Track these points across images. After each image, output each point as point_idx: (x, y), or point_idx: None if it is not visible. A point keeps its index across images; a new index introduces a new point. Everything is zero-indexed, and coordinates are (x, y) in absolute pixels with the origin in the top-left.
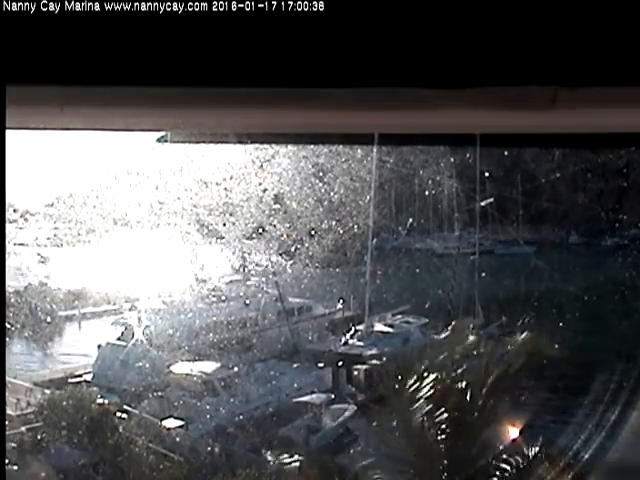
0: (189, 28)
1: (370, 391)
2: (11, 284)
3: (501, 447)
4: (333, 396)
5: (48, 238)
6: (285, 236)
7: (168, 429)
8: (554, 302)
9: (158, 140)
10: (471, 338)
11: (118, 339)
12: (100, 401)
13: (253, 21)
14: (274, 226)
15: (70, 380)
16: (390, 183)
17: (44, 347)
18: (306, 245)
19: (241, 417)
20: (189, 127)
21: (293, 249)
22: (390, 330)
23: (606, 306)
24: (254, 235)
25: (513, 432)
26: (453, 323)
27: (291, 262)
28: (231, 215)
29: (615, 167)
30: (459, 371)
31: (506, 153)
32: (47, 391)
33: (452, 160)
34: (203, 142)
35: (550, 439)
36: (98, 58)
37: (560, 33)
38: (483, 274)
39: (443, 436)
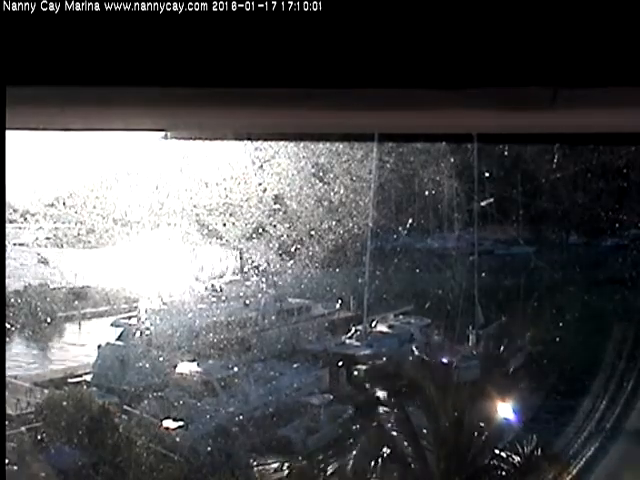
0: (189, 28)
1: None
2: (11, 284)
3: (498, 447)
4: (332, 396)
5: (48, 238)
6: (285, 236)
7: (168, 429)
8: (554, 302)
9: (161, 137)
10: None
11: (118, 339)
12: (100, 401)
13: (253, 21)
14: (274, 226)
15: (70, 380)
16: (390, 183)
17: (44, 347)
18: (306, 245)
19: (240, 417)
20: (189, 127)
21: (293, 249)
22: (389, 331)
23: (606, 306)
24: (254, 235)
25: (510, 432)
26: None
27: (291, 262)
28: (231, 215)
29: (615, 167)
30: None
31: (506, 153)
32: (47, 391)
33: (452, 160)
34: (204, 139)
35: (548, 439)
36: (98, 58)
37: (560, 33)
38: (483, 274)
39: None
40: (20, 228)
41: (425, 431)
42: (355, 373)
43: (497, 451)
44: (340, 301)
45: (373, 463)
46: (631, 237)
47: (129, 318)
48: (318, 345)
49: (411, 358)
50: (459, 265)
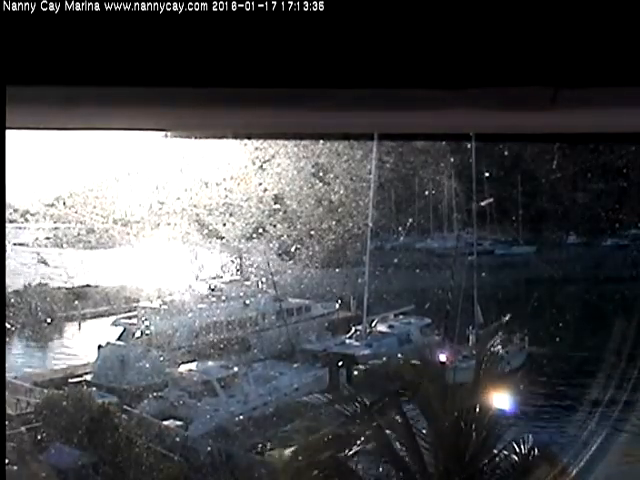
0: (189, 28)
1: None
2: (11, 284)
3: (497, 447)
4: (331, 396)
5: (48, 238)
6: (285, 236)
7: (168, 429)
8: (554, 301)
9: (162, 137)
10: None
11: (118, 339)
12: (100, 401)
13: (253, 21)
14: (274, 226)
15: (70, 380)
16: (390, 183)
17: (44, 347)
18: (306, 245)
19: (240, 417)
20: (189, 127)
21: (293, 249)
22: (389, 331)
23: (606, 306)
24: (254, 235)
25: (509, 432)
26: None
27: (291, 262)
28: (231, 215)
29: (615, 167)
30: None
31: (506, 153)
32: (47, 391)
33: (452, 160)
34: (204, 139)
35: (546, 439)
36: (98, 58)
37: (560, 33)
38: (483, 274)
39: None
40: (20, 228)
41: (424, 431)
42: (355, 373)
43: (495, 451)
44: (340, 301)
45: (372, 463)
46: (631, 237)
47: (129, 318)
48: (318, 345)
49: (411, 358)
50: (459, 265)
